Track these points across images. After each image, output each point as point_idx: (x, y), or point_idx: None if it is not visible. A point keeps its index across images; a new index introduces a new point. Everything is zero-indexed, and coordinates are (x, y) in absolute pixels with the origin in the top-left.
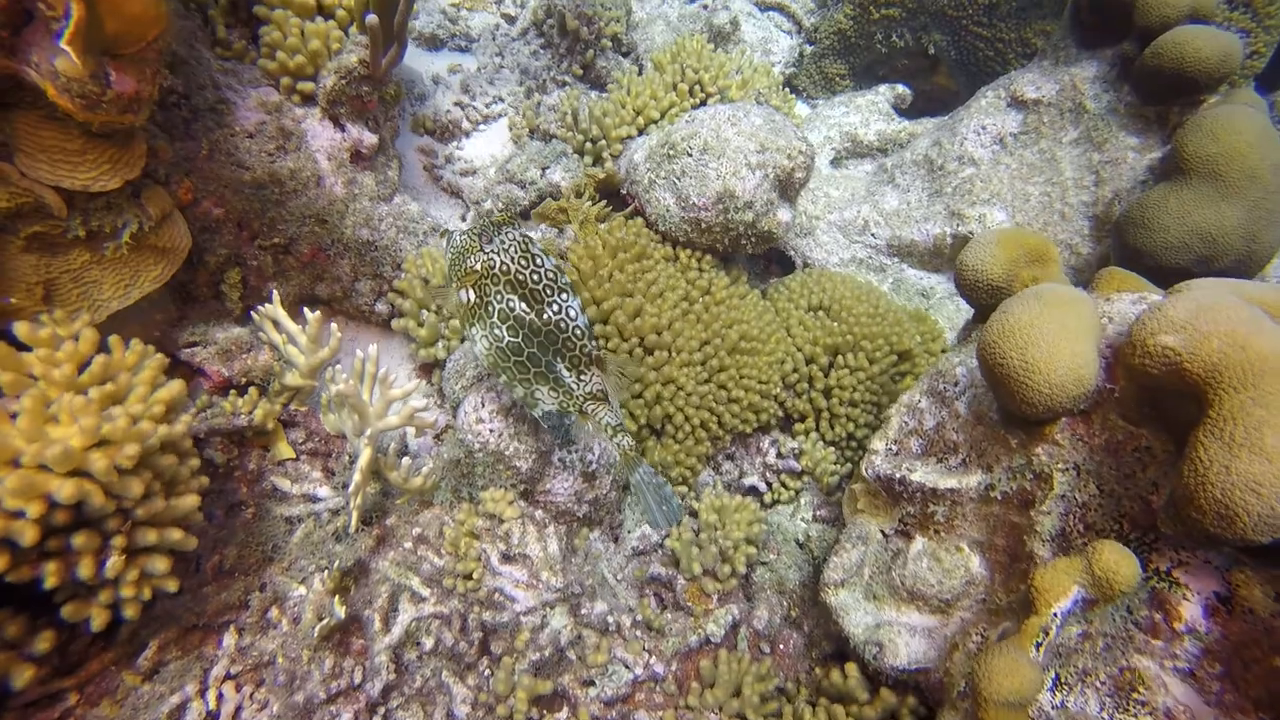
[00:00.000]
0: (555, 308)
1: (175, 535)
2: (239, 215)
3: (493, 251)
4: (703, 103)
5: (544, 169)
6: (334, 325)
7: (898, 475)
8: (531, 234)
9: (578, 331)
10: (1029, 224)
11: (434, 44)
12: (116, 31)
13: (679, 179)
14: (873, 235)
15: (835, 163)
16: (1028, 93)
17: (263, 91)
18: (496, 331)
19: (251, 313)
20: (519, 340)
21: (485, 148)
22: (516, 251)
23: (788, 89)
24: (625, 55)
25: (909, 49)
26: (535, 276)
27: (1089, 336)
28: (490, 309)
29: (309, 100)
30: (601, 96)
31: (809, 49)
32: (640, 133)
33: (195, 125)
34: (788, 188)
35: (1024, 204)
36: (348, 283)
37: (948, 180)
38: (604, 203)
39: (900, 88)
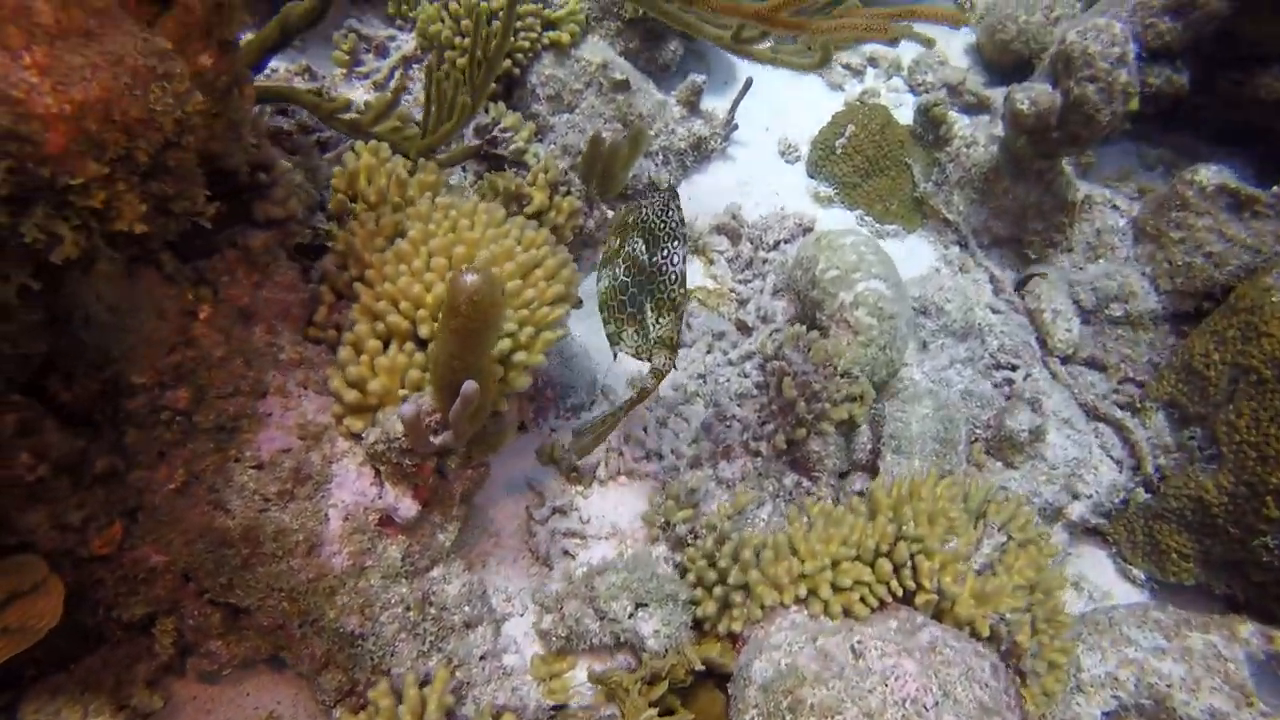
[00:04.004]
0: (664, 252)
1: None
2: (186, 567)
3: (644, 205)
4: (908, 597)
5: (638, 606)
6: None
7: None
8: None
9: (673, 276)
10: None
11: None
12: None
13: None
14: None
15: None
16: None
17: (320, 404)
18: (617, 271)
19: None
20: (629, 280)
21: (611, 512)
22: (659, 205)
23: (1079, 583)
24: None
25: None
26: (661, 224)
27: None
28: (622, 252)
29: (358, 436)
30: (772, 524)
31: (1143, 497)
32: (797, 602)
33: (179, 450)
34: None
35: None
36: (310, 668)
37: None
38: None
39: None
